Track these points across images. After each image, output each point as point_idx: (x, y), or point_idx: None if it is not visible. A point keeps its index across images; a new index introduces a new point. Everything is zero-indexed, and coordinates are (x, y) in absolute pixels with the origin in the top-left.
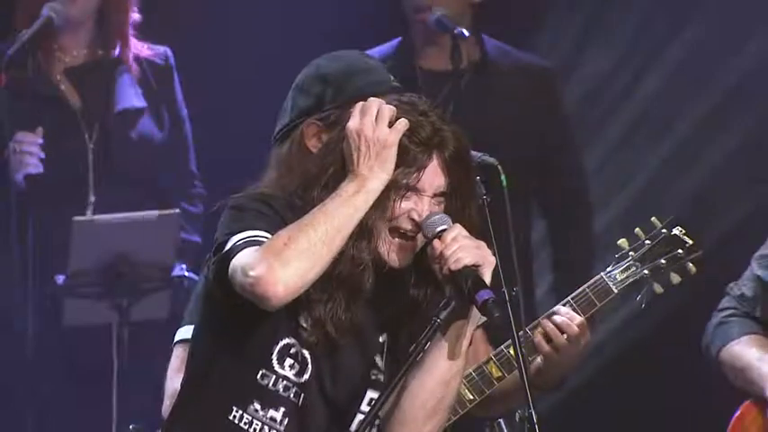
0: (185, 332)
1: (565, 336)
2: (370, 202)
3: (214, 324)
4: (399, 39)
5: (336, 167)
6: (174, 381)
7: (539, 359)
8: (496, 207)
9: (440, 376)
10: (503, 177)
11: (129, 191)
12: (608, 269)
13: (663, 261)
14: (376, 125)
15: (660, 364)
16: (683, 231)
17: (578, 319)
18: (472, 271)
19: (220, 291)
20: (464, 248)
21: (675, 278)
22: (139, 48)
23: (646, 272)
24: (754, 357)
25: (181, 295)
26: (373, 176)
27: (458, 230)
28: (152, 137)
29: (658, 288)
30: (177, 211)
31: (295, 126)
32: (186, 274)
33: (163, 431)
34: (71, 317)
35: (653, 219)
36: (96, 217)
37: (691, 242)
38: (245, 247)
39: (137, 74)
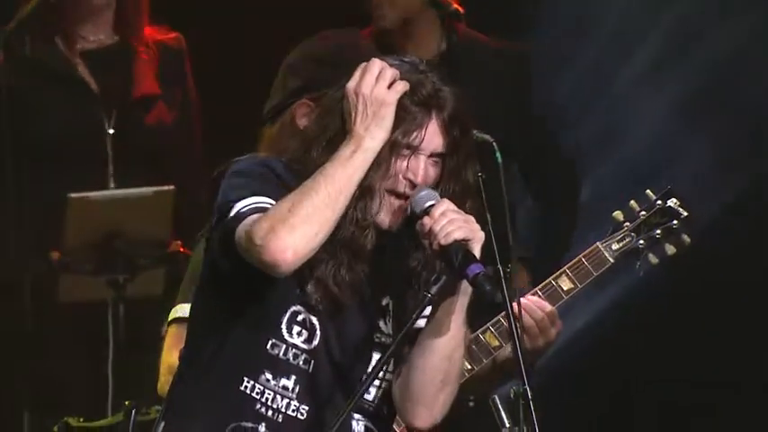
0: (180, 311)
1: (531, 320)
2: (369, 162)
3: (219, 296)
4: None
5: (335, 129)
6: (169, 356)
7: (509, 348)
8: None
9: (442, 352)
10: (498, 155)
11: (146, 176)
12: (604, 239)
13: (658, 232)
14: (375, 85)
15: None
16: (678, 203)
17: (548, 307)
18: (462, 245)
19: (226, 260)
20: (453, 223)
21: (670, 249)
22: (153, 33)
23: (641, 242)
24: None
25: (176, 272)
26: (369, 136)
27: (446, 205)
28: (166, 123)
29: (653, 259)
30: (173, 187)
31: (286, 106)
32: (181, 250)
33: (167, 406)
34: (67, 293)
35: (647, 191)
36: (92, 194)
37: (686, 213)
38: (249, 215)
39: (153, 59)
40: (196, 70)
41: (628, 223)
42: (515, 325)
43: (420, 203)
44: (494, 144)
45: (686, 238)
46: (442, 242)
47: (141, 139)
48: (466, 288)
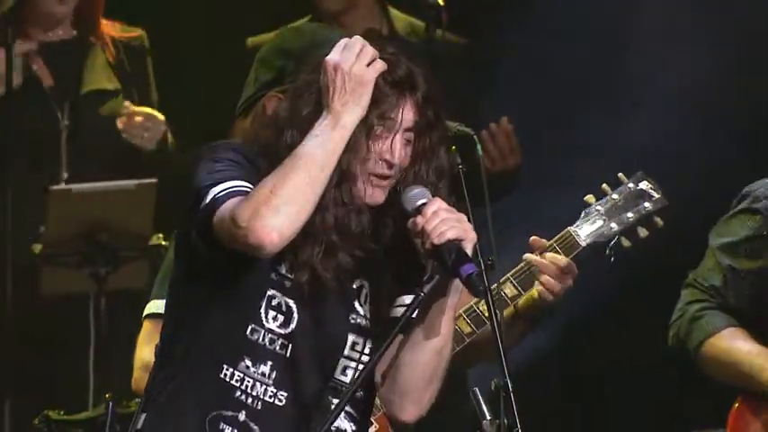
0: (154, 307)
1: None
2: (347, 138)
3: (196, 284)
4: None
5: (310, 108)
6: (142, 352)
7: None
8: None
9: (432, 348)
10: (479, 147)
11: (99, 170)
12: (576, 223)
13: (630, 215)
14: (356, 61)
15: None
16: (650, 186)
17: (564, 260)
18: (455, 245)
19: (203, 245)
20: (446, 222)
21: (643, 232)
22: (114, 29)
23: (613, 226)
24: (742, 351)
25: (158, 264)
26: (346, 111)
27: (438, 204)
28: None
29: (626, 242)
30: (155, 180)
31: (257, 99)
32: (164, 243)
33: (147, 397)
34: (49, 286)
35: (620, 174)
36: (73, 186)
37: (657, 195)
38: (227, 199)
39: (111, 55)
40: (162, 66)
41: (600, 207)
42: (495, 315)
43: (412, 202)
44: (474, 137)
45: (658, 220)
46: (435, 242)
47: (95, 132)
48: (457, 286)
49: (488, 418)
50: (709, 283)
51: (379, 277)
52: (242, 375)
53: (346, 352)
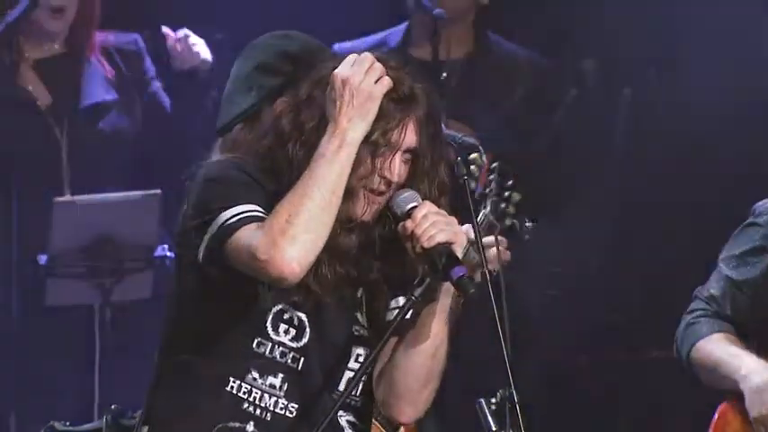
0: None
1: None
2: (354, 155)
3: (200, 300)
4: (406, 24)
5: (314, 123)
6: None
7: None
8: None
9: (426, 351)
10: (483, 158)
11: (102, 184)
12: (483, 211)
13: (494, 196)
14: (365, 77)
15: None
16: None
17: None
18: (446, 248)
19: (213, 269)
20: (436, 225)
21: (515, 196)
22: (108, 37)
23: (489, 209)
24: (725, 353)
25: (163, 275)
26: (352, 128)
27: (428, 207)
28: (123, 129)
29: (511, 209)
30: (160, 191)
31: (266, 106)
32: (168, 254)
33: (148, 410)
34: (53, 297)
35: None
36: (78, 198)
37: (484, 162)
38: (240, 226)
39: (107, 65)
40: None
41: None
42: (504, 329)
43: (402, 205)
44: (479, 147)
45: (516, 194)
46: (425, 245)
47: (96, 147)
48: (448, 288)
49: (494, 429)
50: (709, 293)
51: (373, 285)
52: (249, 387)
53: (351, 364)
